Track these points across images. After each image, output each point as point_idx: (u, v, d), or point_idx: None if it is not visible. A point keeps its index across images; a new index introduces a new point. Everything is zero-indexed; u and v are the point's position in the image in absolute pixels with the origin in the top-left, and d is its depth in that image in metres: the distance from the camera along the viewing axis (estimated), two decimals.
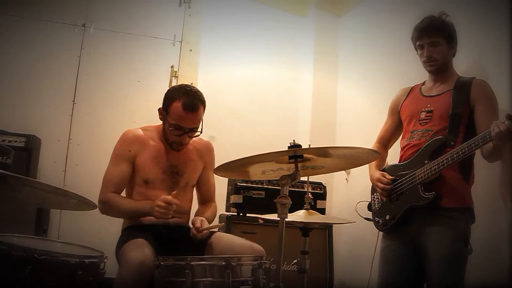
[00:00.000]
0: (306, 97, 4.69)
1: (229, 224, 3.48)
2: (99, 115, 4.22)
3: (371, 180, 2.87)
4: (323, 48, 4.73)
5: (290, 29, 4.81)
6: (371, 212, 2.91)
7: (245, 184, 3.56)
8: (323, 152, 1.94)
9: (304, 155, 1.92)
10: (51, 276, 1.92)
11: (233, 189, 3.59)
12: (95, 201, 2.33)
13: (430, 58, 2.72)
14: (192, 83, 4.27)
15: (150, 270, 2.13)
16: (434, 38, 2.69)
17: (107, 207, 2.60)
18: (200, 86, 4.29)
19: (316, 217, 2.30)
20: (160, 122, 2.76)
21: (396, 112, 2.95)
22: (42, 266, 1.89)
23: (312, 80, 4.67)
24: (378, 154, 2.20)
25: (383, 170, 2.85)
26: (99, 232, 3.59)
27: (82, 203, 1.95)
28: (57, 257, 1.94)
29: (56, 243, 2.22)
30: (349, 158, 2.16)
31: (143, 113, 4.21)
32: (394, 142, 3.04)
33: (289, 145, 1.89)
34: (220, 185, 3.39)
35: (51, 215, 3.85)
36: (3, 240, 1.99)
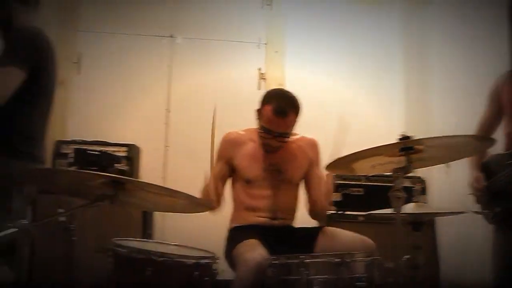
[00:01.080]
0: (397, 89, 4.57)
1: (329, 223, 3.44)
2: (193, 122, 4.31)
3: (469, 181, 2.78)
4: (412, 39, 4.60)
5: (376, 22, 4.70)
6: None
7: (343, 182, 3.52)
8: (435, 142, 1.87)
9: (415, 147, 1.85)
10: (170, 277, 2.00)
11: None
12: None
13: None
14: (280, 85, 4.37)
15: (265, 270, 2.14)
16: None
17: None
18: (288, 87, 4.32)
19: (429, 209, 2.23)
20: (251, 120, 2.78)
21: (496, 100, 2.81)
22: (161, 267, 1.96)
23: (403, 71, 4.54)
24: (492, 140, 2.09)
25: (485, 162, 2.74)
26: (203, 234, 3.66)
27: (194, 205, 1.99)
28: (174, 259, 2.01)
29: (170, 246, 2.29)
30: (458, 148, 2.07)
31: (234, 117, 4.27)
32: (495, 132, 2.89)
33: (400, 137, 1.83)
34: None
35: (154, 220, 3.99)
36: (122, 244, 2.09)
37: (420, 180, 3.63)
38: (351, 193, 3.52)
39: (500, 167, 2.63)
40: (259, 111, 2.69)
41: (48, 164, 3.48)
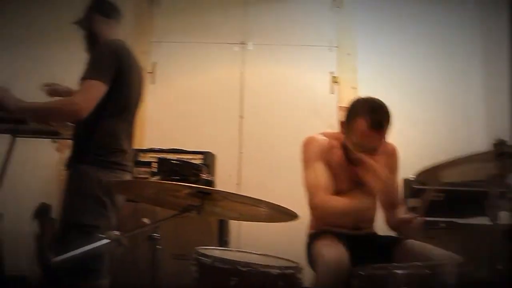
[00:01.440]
0: (477, 91, 4.40)
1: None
2: (266, 127, 4.34)
3: None
4: (491, 38, 4.41)
5: (451, 19, 4.54)
6: None
7: (422, 187, 3.40)
8: None
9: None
10: (255, 287, 1.98)
11: (410, 192, 3.44)
12: None
13: None
14: (353, 88, 4.30)
15: (346, 267, 2.09)
16: None
17: (325, 209, 2.47)
18: (362, 90, 4.27)
19: None
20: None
21: None
22: (246, 277, 1.95)
23: (481, 72, 4.38)
24: None
25: None
26: (279, 240, 3.66)
27: (280, 214, 1.97)
28: (259, 269, 1.99)
29: (253, 255, 2.28)
30: None
31: (307, 121, 4.26)
32: None
33: (494, 142, 1.73)
34: None
35: (230, 226, 4.02)
36: (206, 253, 2.10)
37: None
38: (432, 199, 3.38)
39: None
40: (346, 124, 2.47)
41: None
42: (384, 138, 2.43)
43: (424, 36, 4.55)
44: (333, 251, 2.19)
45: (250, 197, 1.91)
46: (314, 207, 2.46)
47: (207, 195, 1.84)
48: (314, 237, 2.57)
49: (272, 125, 4.33)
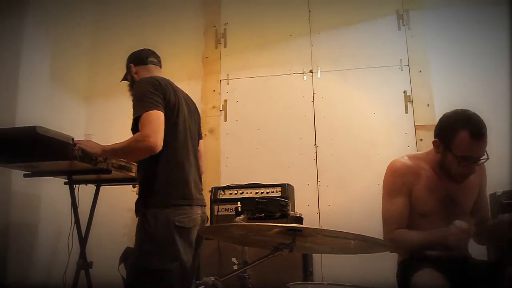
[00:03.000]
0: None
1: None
2: (341, 154, 4.29)
3: None
4: None
5: None
6: None
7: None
8: None
9: None
10: None
11: (500, 207, 3.27)
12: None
13: None
14: (428, 105, 4.18)
15: None
16: None
17: (398, 244, 2.48)
18: (437, 106, 4.14)
19: None
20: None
21: None
22: None
23: None
24: None
25: None
26: (361, 269, 3.58)
27: (372, 245, 1.92)
28: None
29: (345, 287, 2.23)
30: None
31: (383, 144, 4.17)
32: None
33: None
34: None
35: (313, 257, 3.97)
36: None
37: None
38: None
39: None
40: (444, 141, 2.46)
41: (208, 211, 3.66)
42: (485, 147, 2.39)
43: (495, 47, 4.36)
44: (438, 284, 2.11)
45: (340, 231, 1.87)
46: (388, 243, 2.43)
47: (298, 232, 1.82)
48: (407, 266, 2.48)
49: (347, 151, 4.28)
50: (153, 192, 2.42)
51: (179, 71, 4.46)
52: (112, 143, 2.54)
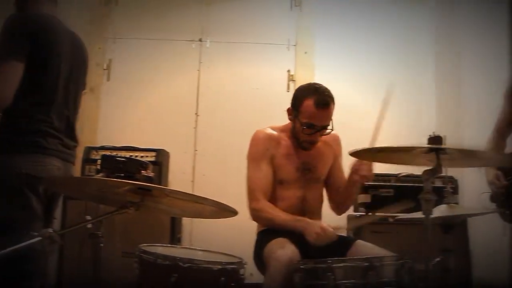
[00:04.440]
0: (429, 90, 4.50)
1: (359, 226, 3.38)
2: (221, 125, 4.33)
3: (486, 177, 2.76)
4: (444, 37, 4.52)
5: (407, 20, 4.62)
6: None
7: (373, 183, 3.45)
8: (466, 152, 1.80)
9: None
10: (196, 283, 1.98)
11: (361, 188, 3.48)
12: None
13: None
14: None
15: (296, 268, 2.11)
16: None
17: (260, 216, 2.55)
18: None
19: (459, 210, 2.17)
20: (285, 122, 2.71)
21: None
22: (187, 273, 1.95)
23: (434, 71, 4.48)
24: None
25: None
26: (230, 236, 3.66)
27: (221, 211, 1.97)
28: (200, 265, 2.00)
29: (196, 251, 2.28)
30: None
31: (263, 119, 4.24)
32: None
33: (429, 137, 1.77)
34: None
35: (183, 224, 4.00)
36: (148, 250, 2.09)
37: (452, 180, 3.53)
38: (381, 194, 3.46)
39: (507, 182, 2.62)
40: (294, 108, 2.62)
41: (78, 170, 3.55)
42: (331, 117, 2.56)
43: (379, 35, 4.60)
44: (284, 254, 2.21)
45: (191, 194, 1.91)
46: (250, 210, 2.54)
47: (148, 192, 1.83)
48: (264, 235, 2.58)
49: (227, 123, 4.32)
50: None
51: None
52: None
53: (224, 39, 4.50)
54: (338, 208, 2.78)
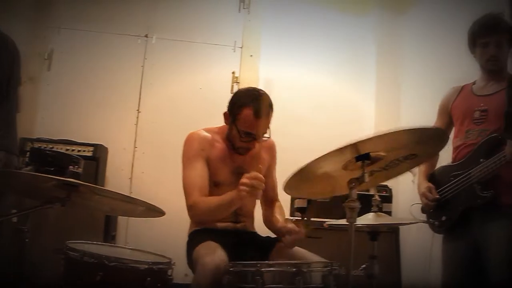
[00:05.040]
0: (369, 97, 4.62)
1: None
2: (163, 123, 4.29)
3: (418, 190, 2.84)
4: (386, 47, 4.65)
5: (351, 29, 4.73)
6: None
7: None
8: (388, 143, 1.83)
9: (372, 154, 1.82)
10: (121, 282, 1.95)
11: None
12: (163, 207, 2.35)
13: (494, 58, 2.63)
14: None
15: (224, 272, 2.11)
16: (499, 38, 2.62)
17: (196, 210, 2.51)
18: None
19: (385, 219, 2.24)
20: (220, 124, 2.70)
21: (447, 112, 2.87)
22: (113, 272, 1.93)
23: (375, 80, 4.60)
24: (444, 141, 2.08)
25: (433, 173, 2.82)
26: (166, 235, 3.63)
27: (150, 210, 1.97)
28: (127, 264, 1.97)
29: (125, 250, 2.26)
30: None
31: (205, 120, 4.23)
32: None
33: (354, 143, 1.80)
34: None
35: (118, 221, 3.94)
36: (75, 247, 2.05)
37: (386, 189, 3.64)
38: (317, 200, 3.51)
39: (446, 178, 2.71)
40: (231, 114, 2.58)
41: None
42: (268, 125, 2.56)
43: (326, 41, 4.68)
44: (211, 260, 2.19)
45: (118, 193, 1.89)
46: (188, 208, 2.51)
47: (75, 188, 1.80)
48: (194, 237, 2.58)
49: (168, 122, 4.29)
50: None
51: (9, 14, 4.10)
52: None
53: (171, 37, 4.47)
54: (266, 223, 2.76)
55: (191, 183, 2.55)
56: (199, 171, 2.56)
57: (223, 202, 2.44)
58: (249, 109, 2.48)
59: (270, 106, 2.54)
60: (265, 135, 2.59)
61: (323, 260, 2.31)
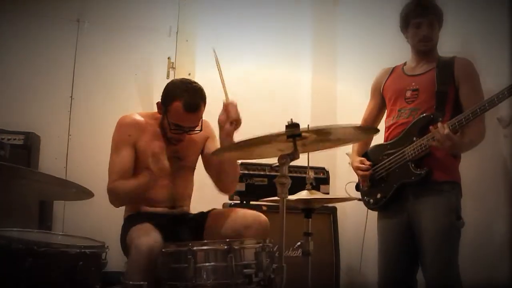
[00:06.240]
0: (305, 85, 4.70)
1: None
2: (98, 110, 4.18)
3: (352, 166, 2.94)
4: (321, 36, 4.73)
5: (288, 17, 4.76)
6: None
7: (247, 172, 3.53)
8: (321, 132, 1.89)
9: (302, 133, 1.86)
10: (52, 268, 1.92)
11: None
12: (100, 197, 2.32)
13: (426, 38, 2.72)
14: (189, 74, 4.32)
15: (158, 254, 2.11)
16: (431, 19, 2.71)
17: (114, 195, 2.51)
18: (198, 77, 4.28)
19: (319, 195, 2.30)
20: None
21: (378, 93, 2.97)
22: (42, 258, 1.88)
23: (312, 68, 4.68)
24: (376, 130, 2.18)
25: (366, 152, 2.92)
26: (103, 224, 3.56)
27: (82, 193, 1.93)
28: (57, 249, 1.94)
29: (56, 236, 2.22)
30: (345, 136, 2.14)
31: (141, 106, 4.19)
32: (379, 124, 3.04)
33: (287, 124, 1.84)
34: None
35: (55, 210, 3.84)
36: (3, 234, 1.98)
37: (323, 171, 3.72)
38: (255, 183, 3.54)
39: (380, 157, 2.81)
40: (163, 105, 2.58)
41: None
42: (200, 119, 2.55)
43: (261, 28, 4.68)
44: (145, 242, 2.19)
45: (46, 175, 1.85)
46: (107, 192, 2.51)
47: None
48: (129, 221, 2.56)
49: (103, 109, 4.18)
50: None
51: None
52: None
53: (104, 21, 4.35)
54: (225, 185, 2.74)
55: (112, 169, 2.57)
56: (122, 157, 2.56)
57: (140, 183, 2.46)
58: (179, 102, 2.48)
59: (202, 99, 2.54)
60: (197, 128, 2.58)
61: (262, 216, 2.47)
